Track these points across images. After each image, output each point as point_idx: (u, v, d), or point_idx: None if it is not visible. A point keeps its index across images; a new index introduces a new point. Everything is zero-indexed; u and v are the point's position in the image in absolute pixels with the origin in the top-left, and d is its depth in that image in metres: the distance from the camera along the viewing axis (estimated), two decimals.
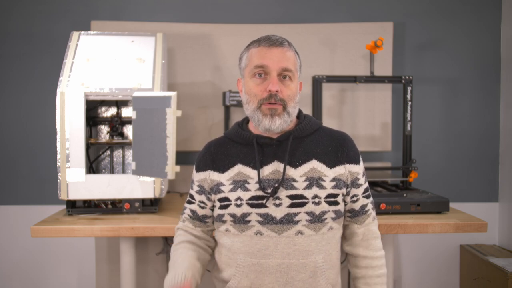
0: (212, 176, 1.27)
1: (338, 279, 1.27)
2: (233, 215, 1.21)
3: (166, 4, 2.47)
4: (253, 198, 1.19)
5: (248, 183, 1.20)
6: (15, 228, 2.48)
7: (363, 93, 2.45)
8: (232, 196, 1.21)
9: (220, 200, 1.24)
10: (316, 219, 1.18)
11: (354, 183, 1.26)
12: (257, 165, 1.19)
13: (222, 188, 1.24)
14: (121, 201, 1.85)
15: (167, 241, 2.33)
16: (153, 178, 1.80)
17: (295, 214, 1.17)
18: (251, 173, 1.21)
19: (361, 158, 1.29)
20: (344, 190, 1.24)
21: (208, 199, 1.30)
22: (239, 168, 1.23)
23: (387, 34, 2.42)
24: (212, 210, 1.32)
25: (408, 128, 2.14)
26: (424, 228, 1.68)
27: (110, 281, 2.42)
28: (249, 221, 1.18)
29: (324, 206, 1.19)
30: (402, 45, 2.51)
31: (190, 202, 1.35)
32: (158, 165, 1.70)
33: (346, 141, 1.27)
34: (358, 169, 1.26)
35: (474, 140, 2.55)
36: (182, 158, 2.39)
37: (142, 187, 1.80)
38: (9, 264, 2.50)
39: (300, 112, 1.31)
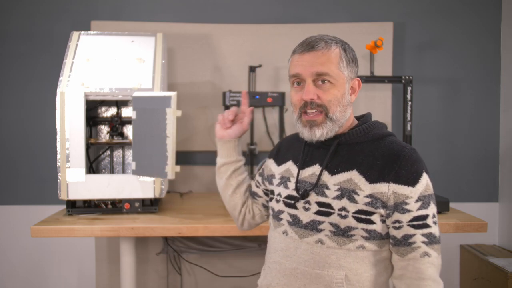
0: (271, 165, 1.31)
1: None
2: (272, 209, 1.25)
3: (166, 4, 2.47)
4: (288, 197, 1.19)
5: (290, 181, 1.21)
6: (15, 228, 2.48)
7: (363, 93, 2.45)
8: (276, 190, 1.24)
9: (271, 192, 1.29)
10: (341, 232, 1.09)
11: (399, 207, 1.06)
12: (299, 165, 1.20)
13: (273, 180, 1.27)
14: (121, 201, 1.85)
15: (167, 241, 2.33)
16: (153, 178, 1.80)
17: (320, 222, 1.12)
18: (295, 172, 1.21)
19: (422, 181, 1.07)
20: (382, 211, 1.08)
21: (263, 182, 1.36)
22: (289, 165, 1.25)
23: (387, 34, 2.42)
24: (265, 193, 1.38)
25: (408, 128, 2.14)
26: None
27: (110, 281, 2.42)
28: (281, 219, 1.20)
29: (350, 221, 1.08)
30: (402, 45, 2.51)
31: (253, 178, 1.44)
32: (158, 165, 1.70)
33: (402, 158, 1.08)
34: (409, 192, 1.06)
35: (474, 140, 2.55)
36: (182, 158, 2.39)
37: (142, 187, 1.80)
38: (9, 264, 2.50)
39: (365, 116, 1.21)
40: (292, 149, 1.27)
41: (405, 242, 1.07)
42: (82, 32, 1.98)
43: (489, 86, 2.54)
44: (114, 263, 2.39)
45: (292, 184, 1.19)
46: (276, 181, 1.26)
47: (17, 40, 2.45)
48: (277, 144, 1.37)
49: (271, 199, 1.27)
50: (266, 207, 1.39)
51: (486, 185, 2.56)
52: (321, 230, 1.11)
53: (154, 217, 1.79)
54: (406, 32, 2.51)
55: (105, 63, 1.87)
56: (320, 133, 1.12)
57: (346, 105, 1.13)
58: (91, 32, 1.99)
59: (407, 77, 2.17)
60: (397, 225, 1.07)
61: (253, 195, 1.40)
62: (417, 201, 1.06)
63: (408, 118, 2.16)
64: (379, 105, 2.46)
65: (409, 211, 1.06)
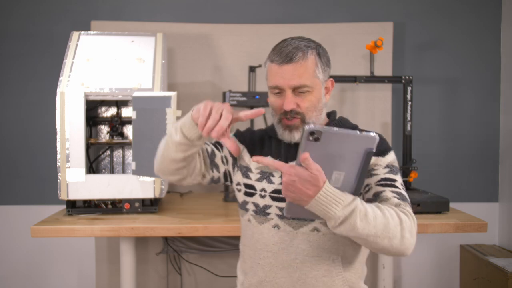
0: (245, 156, 1.30)
1: (361, 284, 1.24)
2: (256, 205, 1.24)
3: (166, 4, 2.47)
4: (275, 191, 1.21)
5: (273, 176, 1.23)
6: (15, 228, 2.48)
7: (363, 93, 2.45)
8: (258, 186, 1.24)
9: (247, 186, 1.27)
10: None
11: (368, 174, 1.16)
12: (282, 160, 1.22)
13: (250, 174, 1.27)
14: (121, 201, 1.85)
15: (167, 241, 2.33)
16: (153, 178, 1.80)
17: None
18: None
19: (391, 154, 1.18)
20: None
21: (233, 165, 1.32)
22: None
23: (387, 34, 2.42)
24: (225, 174, 1.32)
25: (408, 128, 2.14)
26: (424, 228, 1.68)
27: (110, 281, 2.42)
28: (269, 214, 1.21)
29: None
30: (402, 45, 2.51)
31: (216, 147, 1.32)
32: None
33: None
34: (379, 161, 1.16)
35: (474, 140, 2.55)
36: None
37: (142, 187, 1.80)
38: (9, 264, 2.50)
39: (332, 113, 1.31)
40: (267, 146, 1.29)
41: (376, 198, 1.11)
42: (82, 32, 1.98)
43: (489, 86, 2.54)
44: (114, 263, 2.39)
45: (277, 179, 1.22)
46: (254, 176, 1.26)
47: (17, 40, 2.45)
48: (247, 131, 1.36)
49: (250, 195, 1.25)
50: (214, 181, 1.33)
51: (486, 185, 2.56)
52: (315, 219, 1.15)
53: (154, 217, 1.79)
54: (406, 32, 2.51)
55: (105, 63, 1.87)
56: (298, 136, 1.19)
57: (321, 108, 1.21)
58: (91, 32, 1.99)
59: (407, 77, 2.17)
60: (366, 189, 1.15)
61: (212, 165, 1.30)
62: (385, 167, 1.15)
63: (408, 118, 2.17)
64: (379, 105, 2.46)
65: (375, 174, 1.14)
